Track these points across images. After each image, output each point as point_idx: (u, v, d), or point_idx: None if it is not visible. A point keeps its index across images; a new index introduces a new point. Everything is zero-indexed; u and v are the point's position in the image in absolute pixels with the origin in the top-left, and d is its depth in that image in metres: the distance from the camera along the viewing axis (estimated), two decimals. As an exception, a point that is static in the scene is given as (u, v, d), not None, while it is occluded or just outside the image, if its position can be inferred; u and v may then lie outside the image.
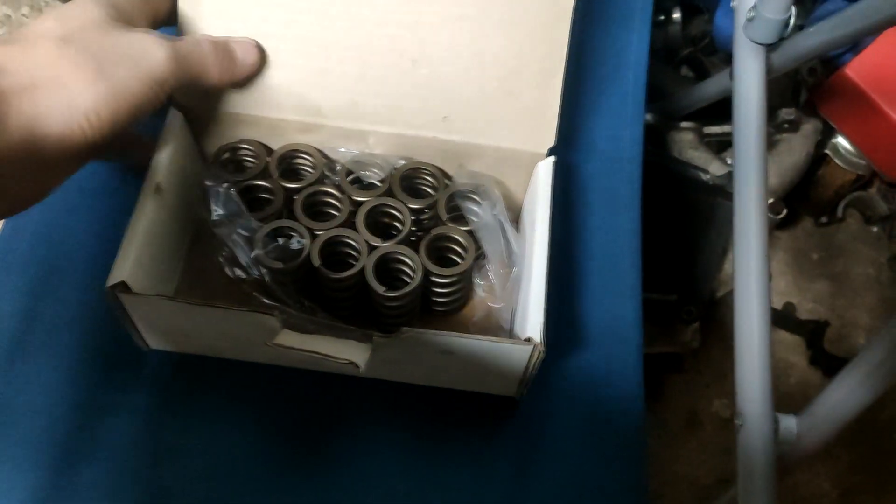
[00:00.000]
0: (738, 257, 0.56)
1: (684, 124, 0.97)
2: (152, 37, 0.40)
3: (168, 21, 0.46)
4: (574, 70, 0.50)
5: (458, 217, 0.50)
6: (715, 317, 1.08)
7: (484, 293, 0.48)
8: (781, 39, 0.63)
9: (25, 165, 0.35)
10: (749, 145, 0.59)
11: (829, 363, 1.09)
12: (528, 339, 0.43)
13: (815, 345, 1.10)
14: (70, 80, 0.36)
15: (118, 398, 0.48)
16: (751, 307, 0.54)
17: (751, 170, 0.58)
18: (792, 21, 0.60)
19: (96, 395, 0.48)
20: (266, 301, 0.47)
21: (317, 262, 0.47)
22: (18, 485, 0.45)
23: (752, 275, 0.55)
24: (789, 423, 0.50)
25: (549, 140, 0.49)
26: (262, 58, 0.46)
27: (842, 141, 1.03)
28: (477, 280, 0.48)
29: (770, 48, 0.63)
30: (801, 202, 1.14)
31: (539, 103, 0.49)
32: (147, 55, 0.39)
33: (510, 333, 0.49)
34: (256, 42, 0.46)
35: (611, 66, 0.61)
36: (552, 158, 0.50)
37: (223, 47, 0.45)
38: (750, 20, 0.62)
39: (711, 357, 1.08)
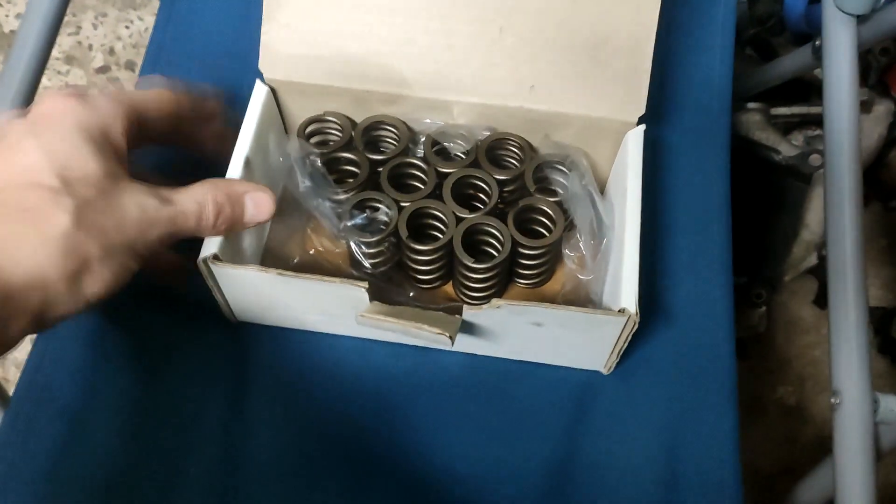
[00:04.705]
0: (830, 236, 0.54)
1: (751, 105, 0.94)
2: (148, 210, 0.39)
3: (159, 131, 0.44)
4: (661, 41, 0.48)
5: (545, 188, 0.49)
6: (779, 302, 1.06)
7: (574, 265, 0.47)
8: (874, 11, 0.60)
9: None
10: (842, 121, 0.56)
11: (897, 350, 1.06)
12: (623, 310, 0.42)
13: (883, 332, 1.06)
14: (79, 275, 0.36)
15: (205, 370, 0.48)
16: (846, 284, 0.51)
17: (844, 148, 0.55)
18: (887, -9, 0.58)
19: (184, 367, 0.48)
20: (354, 272, 0.47)
21: (405, 233, 0.46)
22: (106, 447, 0.46)
23: (846, 254, 0.52)
24: (890, 402, 0.48)
25: (640, 108, 0.48)
26: (273, 211, 0.44)
27: (916, 123, 1.00)
28: (566, 252, 0.47)
29: (860, 19, 0.60)
30: (871, 186, 1.10)
31: (628, 71, 0.48)
32: (143, 235, 0.39)
33: (599, 305, 0.47)
34: (273, 196, 0.43)
35: (697, 36, 0.59)
36: (642, 127, 0.48)
37: (235, 201, 0.42)
38: (842, -10, 0.59)
39: (776, 343, 1.05)
